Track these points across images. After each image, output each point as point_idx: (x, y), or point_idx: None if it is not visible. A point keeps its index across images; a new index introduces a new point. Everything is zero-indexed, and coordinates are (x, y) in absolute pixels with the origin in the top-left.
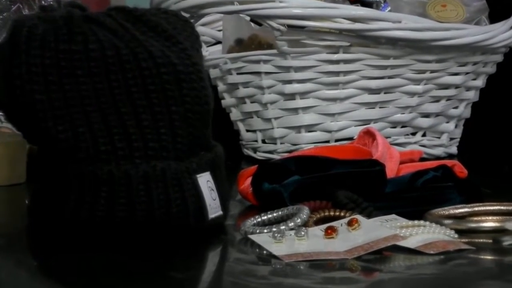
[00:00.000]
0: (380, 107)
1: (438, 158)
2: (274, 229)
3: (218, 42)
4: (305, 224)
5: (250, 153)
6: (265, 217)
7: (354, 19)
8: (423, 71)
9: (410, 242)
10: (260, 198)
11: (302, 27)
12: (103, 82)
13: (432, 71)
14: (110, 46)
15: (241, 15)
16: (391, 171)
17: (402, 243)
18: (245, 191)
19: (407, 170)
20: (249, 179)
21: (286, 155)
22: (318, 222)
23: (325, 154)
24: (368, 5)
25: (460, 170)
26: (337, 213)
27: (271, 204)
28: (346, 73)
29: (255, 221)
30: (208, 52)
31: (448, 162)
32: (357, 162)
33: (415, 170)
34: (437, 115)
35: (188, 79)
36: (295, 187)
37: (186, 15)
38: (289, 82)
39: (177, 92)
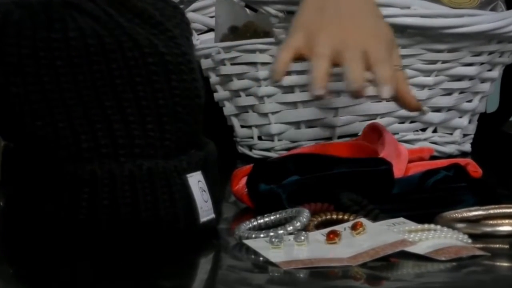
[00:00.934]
0: (387, 101)
1: (450, 156)
2: (272, 234)
3: (210, 30)
4: (305, 228)
5: (245, 150)
6: (262, 221)
7: None
8: (434, 62)
9: (420, 248)
10: (256, 199)
11: None
12: (84, 73)
13: (443, 62)
14: (92, 34)
15: (235, 0)
16: (399, 171)
17: (411, 249)
18: (239, 192)
19: (416, 169)
20: (244, 179)
21: (284, 153)
22: (319, 226)
23: (327, 152)
24: None
25: (474, 169)
26: (340, 216)
27: (268, 206)
28: None
29: (250, 225)
30: (199, 41)
31: (461, 161)
32: (362, 160)
33: (425, 169)
34: (449, 109)
35: (177, 70)
36: (294, 188)
37: (176, 0)
38: (288, 73)
39: (165, 84)
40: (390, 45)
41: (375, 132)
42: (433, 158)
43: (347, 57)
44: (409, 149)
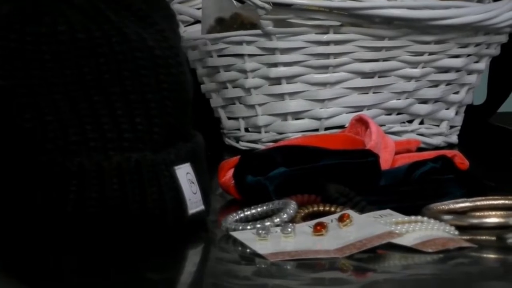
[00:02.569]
0: (374, 92)
1: (437, 147)
2: (259, 226)
3: (197, 22)
4: (292, 220)
5: (232, 142)
6: (249, 213)
7: None
8: (421, 53)
9: (407, 240)
10: (243, 191)
11: (288, 5)
12: (72, 67)
13: (430, 53)
14: (81, 28)
15: None
16: (385, 162)
17: (398, 240)
18: (226, 184)
19: (403, 161)
20: (231, 171)
21: (271, 144)
22: (306, 218)
23: (314, 144)
24: None
25: (461, 161)
26: (327, 208)
27: (255, 198)
28: (336, 55)
29: (237, 217)
30: (186, 33)
31: (448, 153)
32: (349, 152)
33: (411, 161)
34: (436, 101)
35: (165, 64)
36: (282, 180)
37: None
38: (275, 65)
39: (153, 79)
40: None
41: (362, 124)
42: (420, 149)
43: None
44: (396, 141)
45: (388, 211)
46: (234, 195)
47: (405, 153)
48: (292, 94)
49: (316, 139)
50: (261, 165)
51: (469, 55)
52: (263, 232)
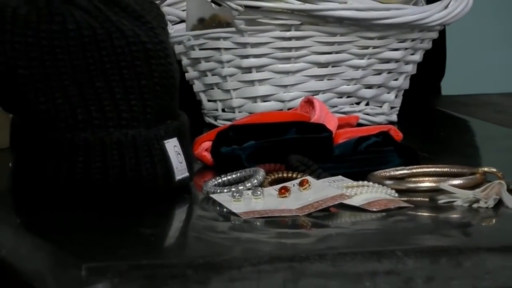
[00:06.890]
0: (328, 79)
1: (379, 125)
2: (233, 189)
3: (182, 21)
4: (261, 185)
5: (211, 121)
6: (225, 179)
7: (304, 0)
8: (367, 47)
9: (355, 201)
10: (218, 160)
11: (257, 7)
12: (80, 59)
13: (374, 47)
14: (87, 26)
15: None
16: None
17: (348, 201)
18: (200, 154)
19: (349, 135)
20: (203, 144)
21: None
22: (273, 183)
23: (269, 119)
24: None
25: (396, 133)
26: (290, 175)
27: (230, 165)
28: (297, 48)
29: (215, 182)
30: (174, 30)
31: (384, 127)
32: (308, 127)
33: (356, 136)
34: (379, 86)
35: (156, 56)
36: (252, 150)
37: None
38: (246, 57)
39: (146, 68)
40: None
41: (310, 105)
42: (362, 126)
43: None
44: (339, 117)
45: (340, 177)
46: (207, 163)
47: (346, 126)
48: (260, 81)
49: (270, 116)
50: (235, 137)
51: (406, 49)
52: (237, 194)
